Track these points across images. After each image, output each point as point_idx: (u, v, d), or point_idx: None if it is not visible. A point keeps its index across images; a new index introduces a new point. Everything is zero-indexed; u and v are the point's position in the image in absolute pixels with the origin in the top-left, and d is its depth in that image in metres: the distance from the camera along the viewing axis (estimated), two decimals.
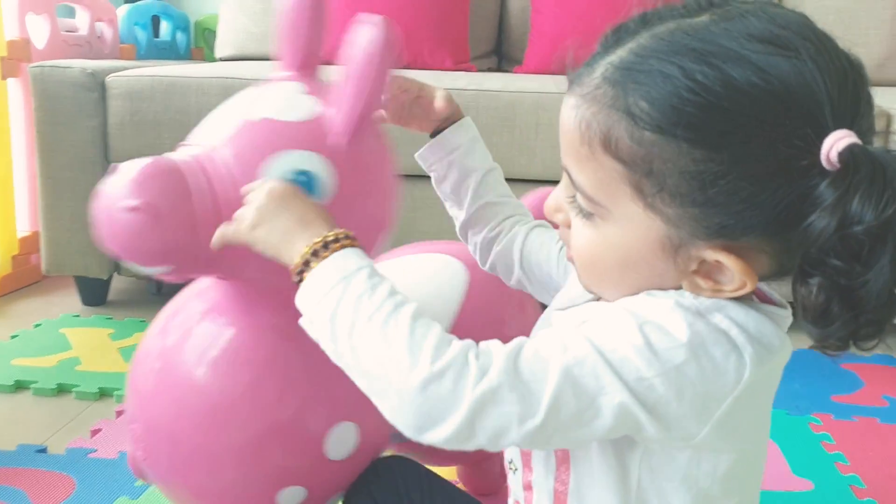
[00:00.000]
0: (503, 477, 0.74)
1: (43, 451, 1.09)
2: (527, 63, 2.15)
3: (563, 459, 0.56)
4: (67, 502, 0.96)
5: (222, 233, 0.59)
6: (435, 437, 0.49)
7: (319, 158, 0.64)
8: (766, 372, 0.51)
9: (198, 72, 1.65)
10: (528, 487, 0.59)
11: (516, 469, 0.61)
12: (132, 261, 0.61)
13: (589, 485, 0.55)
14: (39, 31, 1.85)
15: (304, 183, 0.63)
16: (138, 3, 2.31)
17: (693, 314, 0.49)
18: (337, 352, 0.52)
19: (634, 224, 0.50)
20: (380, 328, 0.50)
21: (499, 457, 0.64)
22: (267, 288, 0.67)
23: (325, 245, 0.54)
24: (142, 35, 2.29)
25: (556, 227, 0.58)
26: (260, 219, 0.57)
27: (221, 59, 2.30)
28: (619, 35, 0.51)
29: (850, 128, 0.45)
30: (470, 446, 0.49)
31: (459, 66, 2.12)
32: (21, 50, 1.77)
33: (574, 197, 0.52)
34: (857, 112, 0.46)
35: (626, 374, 0.48)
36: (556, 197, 0.56)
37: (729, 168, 0.46)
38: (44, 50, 1.83)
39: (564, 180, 0.54)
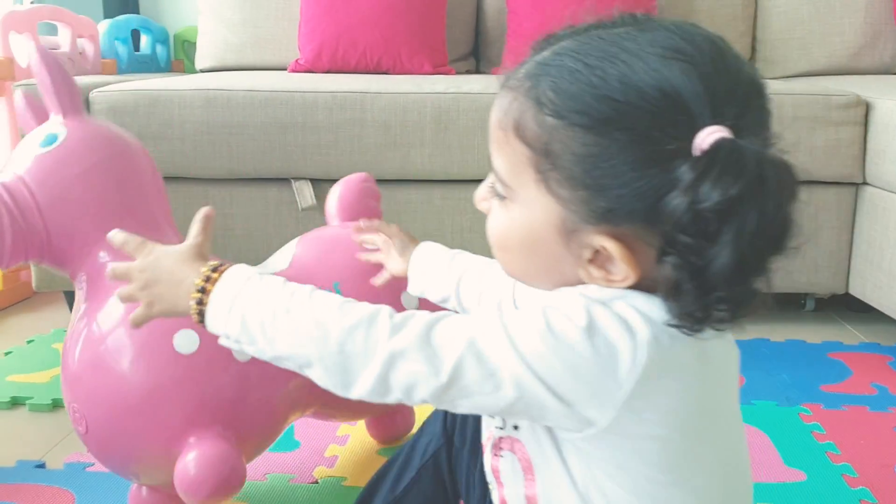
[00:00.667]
0: (406, 426, 0.93)
1: (41, 466, 1.09)
2: (505, 64, 2.15)
3: (527, 468, 0.60)
4: None
5: (133, 318, 0.66)
6: (357, 391, 0.56)
7: (53, 126, 0.92)
8: (676, 358, 0.53)
9: (180, 84, 1.66)
10: (503, 502, 0.64)
11: (493, 487, 0.65)
12: None
13: (552, 486, 0.59)
14: (23, 50, 1.85)
15: (45, 140, 0.90)
16: (118, 18, 2.31)
17: (594, 301, 0.54)
18: (260, 350, 0.59)
19: (536, 206, 0.55)
20: (285, 317, 0.57)
21: (402, 408, 0.67)
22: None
23: (207, 279, 0.62)
24: (122, 49, 2.29)
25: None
26: (150, 297, 0.65)
27: (202, 71, 2.30)
28: (548, 41, 0.58)
29: (729, 126, 0.49)
30: (390, 399, 0.56)
31: (438, 69, 2.13)
32: (5, 69, 1.77)
33: (493, 183, 0.58)
34: (741, 115, 0.51)
35: (525, 350, 0.53)
36: (482, 186, 0.61)
37: (613, 153, 0.51)
38: (27, 68, 1.83)
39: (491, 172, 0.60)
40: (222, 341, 0.61)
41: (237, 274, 0.61)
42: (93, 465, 1.09)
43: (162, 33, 2.54)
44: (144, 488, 0.94)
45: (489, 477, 0.66)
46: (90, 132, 0.93)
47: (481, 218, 1.73)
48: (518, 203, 0.56)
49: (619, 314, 0.53)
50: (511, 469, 0.62)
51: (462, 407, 0.56)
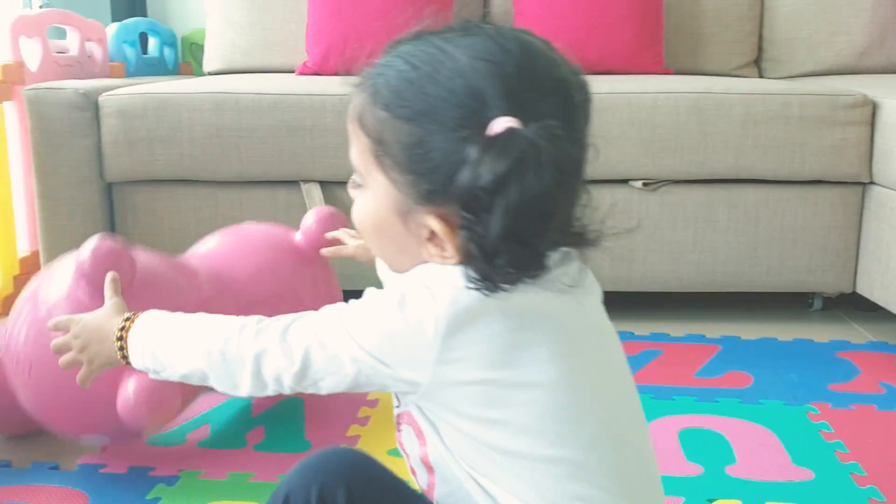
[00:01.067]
0: None
1: (55, 468, 1.10)
2: None
3: (419, 434, 0.67)
4: None
5: (80, 378, 0.77)
6: (244, 391, 0.66)
7: None
8: (479, 313, 0.60)
9: (189, 88, 1.67)
10: (412, 470, 0.71)
11: (405, 459, 0.71)
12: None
13: (434, 446, 0.66)
14: (32, 54, 1.86)
15: None
16: (126, 21, 2.33)
17: (412, 279, 0.63)
18: (171, 374, 0.70)
19: (380, 190, 0.63)
20: (180, 344, 0.69)
21: None
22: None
23: (122, 328, 0.73)
24: (130, 52, 2.30)
25: None
26: (88, 356, 0.76)
27: (210, 74, 2.31)
28: (393, 45, 0.65)
29: (521, 118, 0.56)
30: (270, 392, 0.66)
31: None
32: (15, 73, 1.78)
33: (354, 174, 0.67)
34: (536, 109, 0.58)
35: (353, 330, 0.62)
36: (351, 178, 0.68)
37: (428, 141, 0.59)
38: (37, 72, 1.85)
39: None
40: (150, 375, 0.73)
41: (144, 318, 0.73)
42: (105, 466, 1.10)
43: (170, 36, 2.55)
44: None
45: (400, 452, 0.72)
46: None
47: None
48: (369, 189, 0.65)
49: (429, 286, 0.61)
50: (409, 439, 0.69)
51: (323, 388, 0.65)
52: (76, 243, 1.64)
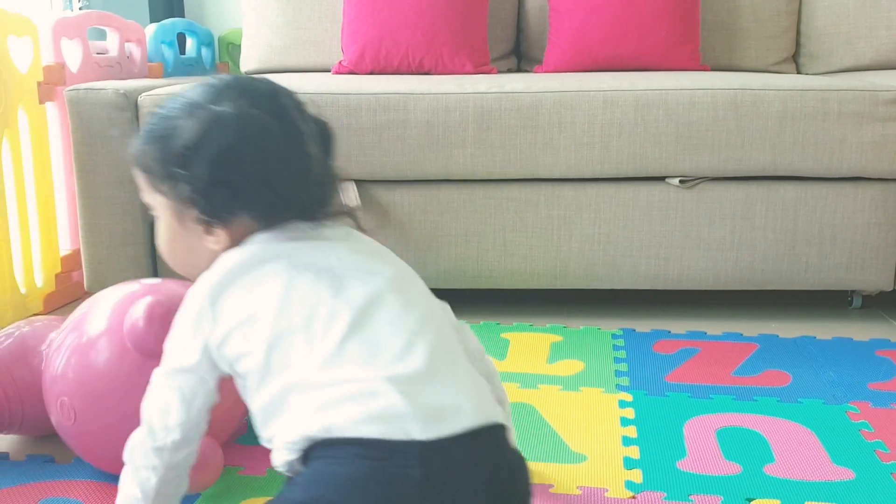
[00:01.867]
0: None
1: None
2: (546, 62, 2.17)
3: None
4: None
5: None
6: (169, 448, 0.81)
7: None
8: (237, 284, 0.77)
9: None
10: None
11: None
12: None
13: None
14: (73, 55, 1.90)
15: None
16: (164, 22, 2.36)
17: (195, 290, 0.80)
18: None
19: (161, 209, 0.83)
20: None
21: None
22: None
23: None
24: (169, 53, 2.34)
25: None
26: None
27: (246, 73, 2.34)
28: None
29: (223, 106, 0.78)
30: (176, 433, 0.80)
31: (479, 68, 2.14)
32: (56, 74, 1.82)
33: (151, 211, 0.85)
34: (235, 100, 0.79)
35: (172, 354, 0.81)
36: None
37: (158, 156, 0.80)
38: (77, 73, 1.88)
39: None
40: None
41: None
42: None
43: (207, 36, 2.58)
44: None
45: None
46: None
47: (523, 216, 1.74)
48: (159, 215, 0.84)
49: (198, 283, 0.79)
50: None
51: (199, 401, 0.81)
52: (115, 241, 1.68)
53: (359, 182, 1.67)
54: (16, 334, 1.14)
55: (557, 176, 1.65)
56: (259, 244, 0.79)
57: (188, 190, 0.78)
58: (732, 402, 1.29)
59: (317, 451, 0.69)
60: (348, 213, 0.86)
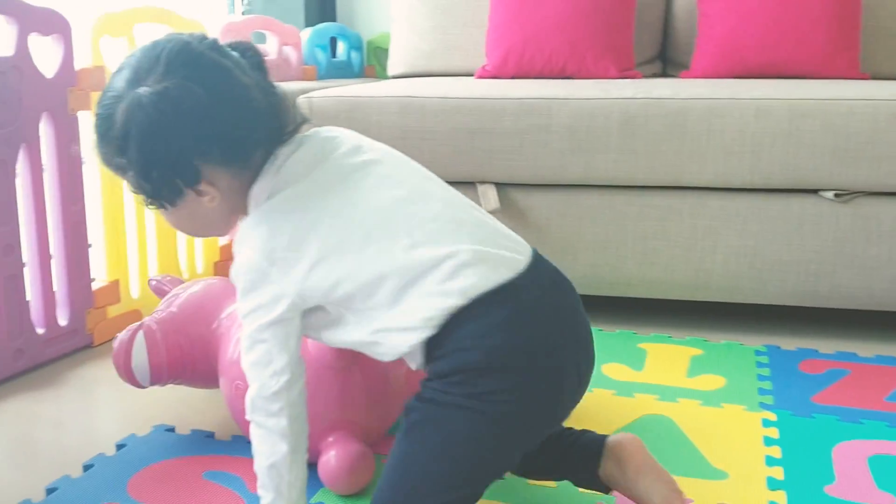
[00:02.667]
0: None
1: None
2: (694, 68, 2.13)
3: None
4: None
5: None
6: (273, 405, 0.87)
7: None
8: (275, 229, 0.84)
9: (377, 91, 1.75)
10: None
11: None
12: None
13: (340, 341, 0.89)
14: None
15: None
16: (318, 26, 2.47)
17: (236, 252, 0.86)
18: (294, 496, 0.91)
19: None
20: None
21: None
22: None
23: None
24: (322, 56, 2.44)
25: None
26: None
27: (393, 77, 2.41)
28: None
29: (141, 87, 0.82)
30: (285, 383, 0.86)
31: (624, 73, 2.12)
32: None
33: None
34: (147, 81, 0.83)
35: (257, 307, 0.85)
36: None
37: (114, 152, 0.85)
38: None
39: None
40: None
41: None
42: None
43: (357, 40, 2.68)
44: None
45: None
46: None
47: (666, 225, 1.72)
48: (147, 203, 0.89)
49: (241, 254, 0.85)
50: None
51: (296, 343, 0.87)
52: None
53: (499, 185, 1.70)
54: (197, 294, 1.24)
55: (703, 185, 1.63)
56: (284, 192, 0.85)
57: (134, 176, 0.84)
58: (886, 429, 1.23)
59: (461, 316, 0.80)
60: (306, 121, 0.90)
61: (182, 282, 1.32)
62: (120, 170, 0.86)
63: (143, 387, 1.18)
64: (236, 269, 0.86)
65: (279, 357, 0.85)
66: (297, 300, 0.84)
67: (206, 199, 0.86)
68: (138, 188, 0.86)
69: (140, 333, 1.17)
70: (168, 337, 1.17)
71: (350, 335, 0.86)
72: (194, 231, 0.94)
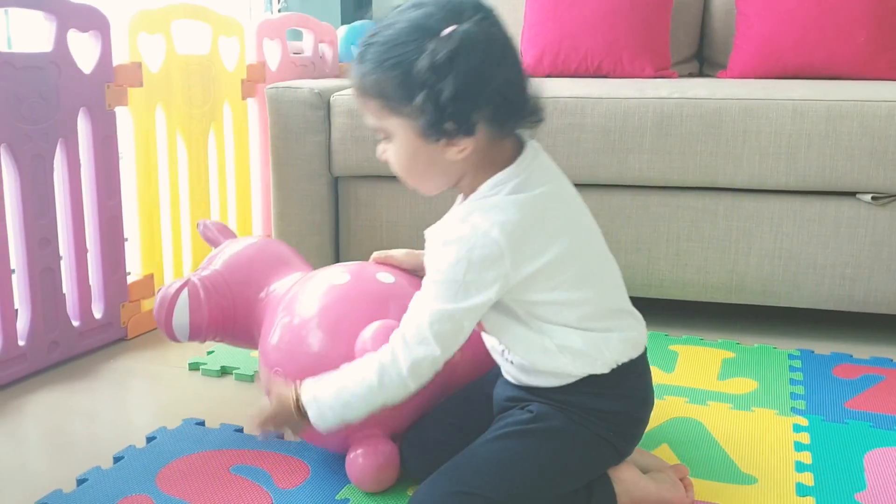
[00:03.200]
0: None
1: (281, 436, 1.20)
2: (731, 68, 2.10)
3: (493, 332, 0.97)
4: (305, 485, 1.07)
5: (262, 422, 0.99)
6: (416, 388, 0.91)
7: None
8: (522, 226, 0.87)
9: None
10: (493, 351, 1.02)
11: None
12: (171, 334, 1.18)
13: (511, 338, 0.95)
14: (273, 55, 2.04)
15: None
16: (354, 24, 2.48)
17: (453, 237, 0.87)
18: (358, 420, 0.93)
19: (399, 130, 0.88)
20: (347, 404, 0.92)
21: None
22: None
23: (298, 407, 0.94)
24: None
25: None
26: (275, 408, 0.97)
27: None
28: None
29: (459, 22, 0.83)
30: (425, 380, 0.91)
31: (660, 72, 2.10)
32: (258, 72, 1.96)
33: (377, 135, 0.92)
34: (463, 17, 0.84)
35: (452, 301, 0.87)
36: (379, 145, 0.93)
37: (409, 73, 0.83)
38: (276, 71, 2.02)
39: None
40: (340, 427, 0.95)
41: (309, 392, 0.94)
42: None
43: None
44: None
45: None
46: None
47: (699, 226, 1.69)
48: (394, 137, 0.89)
49: (483, 229, 0.86)
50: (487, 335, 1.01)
51: (463, 340, 0.90)
52: (304, 230, 1.79)
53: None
54: (247, 255, 1.23)
55: (738, 186, 1.61)
56: (539, 190, 0.90)
57: (434, 109, 0.83)
58: None
59: (627, 367, 0.95)
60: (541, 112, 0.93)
61: (233, 234, 1.32)
62: (411, 100, 0.84)
63: (181, 342, 1.19)
64: (465, 237, 0.86)
65: (457, 340, 0.89)
66: (505, 293, 0.89)
67: (456, 149, 0.87)
68: (418, 116, 0.85)
69: (185, 292, 1.16)
70: (211, 297, 1.17)
71: (527, 338, 0.93)
72: (414, 174, 0.92)
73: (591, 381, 0.93)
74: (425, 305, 0.88)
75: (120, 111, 1.59)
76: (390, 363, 0.89)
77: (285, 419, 0.95)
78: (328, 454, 1.14)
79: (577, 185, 1.71)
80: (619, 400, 0.95)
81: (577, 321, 0.91)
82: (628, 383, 0.96)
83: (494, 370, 1.05)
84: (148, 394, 1.40)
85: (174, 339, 1.18)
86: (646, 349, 1.00)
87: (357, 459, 1.05)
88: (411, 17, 0.85)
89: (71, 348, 1.51)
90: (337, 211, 1.82)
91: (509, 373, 1.00)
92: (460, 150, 0.87)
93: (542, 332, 0.92)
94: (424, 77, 0.82)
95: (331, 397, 0.92)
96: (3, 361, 1.38)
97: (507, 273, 0.87)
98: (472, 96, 0.83)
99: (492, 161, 0.90)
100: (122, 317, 1.61)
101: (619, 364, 0.94)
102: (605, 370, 0.93)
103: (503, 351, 0.98)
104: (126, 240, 1.64)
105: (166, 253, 1.74)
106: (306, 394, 0.93)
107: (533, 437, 0.93)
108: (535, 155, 0.92)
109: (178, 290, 1.16)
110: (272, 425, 0.97)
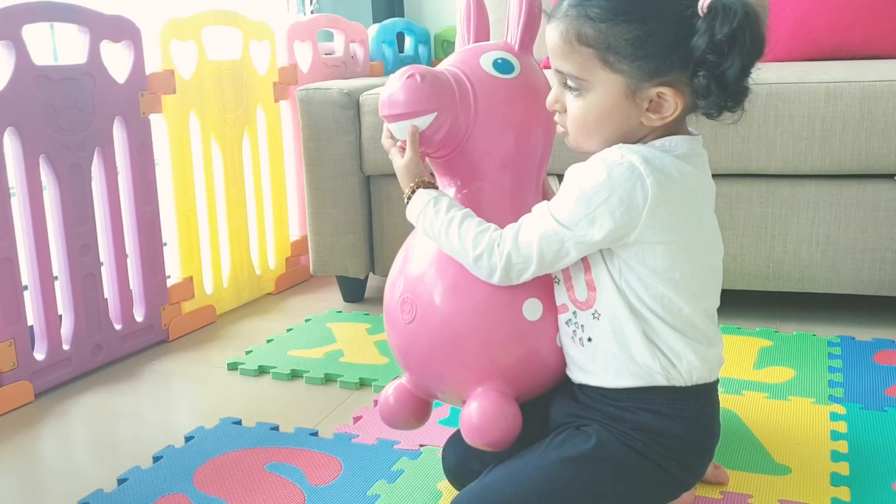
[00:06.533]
0: None
1: (315, 434, 1.23)
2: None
3: (586, 269, 0.89)
4: (337, 481, 1.09)
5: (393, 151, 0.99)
6: (498, 282, 0.90)
7: (508, 55, 1.00)
8: (673, 189, 0.82)
9: None
10: (570, 289, 0.91)
11: (559, 280, 0.93)
12: (408, 109, 0.94)
13: (602, 302, 0.88)
14: (304, 57, 2.06)
15: (501, 65, 0.98)
16: (385, 22, 2.49)
17: (611, 163, 0.82)
18: (435, 243, 0.93)
19: (606, 84, 0.83)
20: (444, 233, 0.91)
21: None
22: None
23: (408, 197, 0.95)
24: (388, 52, 2.46)
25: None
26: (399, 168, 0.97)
27: None
28: None
29: None
30: (520, 281, 0.89)
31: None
32: (289, 74, 1.99)
33: (566, 83, 0.85)
34: None
35: (573, 225, 0.83)
36: (554, 92, 0.88)
37: (652, 30, 0.80)
38: (308, 73, 2.04)
39: (555, 81, 0.88)
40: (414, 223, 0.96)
41: (420, 200, 0.94)
42: (357, 436, 1.21)
43: (424, 34, 2.69)
44: (392, 396, 1.02)
45: (556, 275, 0.93)
46: (536, 77, 1.01)
47: (734, 213, 1.65)
48: (592, 90, 0.84)
49: (632, 164, 0.81)
50: (573, 274, 0.92)
51: (557, 269, 0.89)
52: (338, 230, 1.81)
53: (560, 176, 1.69)
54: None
55: (772, 172, 1.58)
56: (689, 166, 0.84)
57: (719, 88, 0.79)
58: None
59: (701, 389, 0.89)
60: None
61: None
62: (638, 58, 0.80)
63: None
64: (619, 172, 0.81)
65: (558, 262, 0.86)
66: (619, 246, 0.84)
67: (658, 116, 0.83)
68: (635, 74, 0.81)
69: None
70: None
71: (619, 311, 0.86)
72: (595, 129, 0.85)
73: (661, 394, 0.87)
74: (546, 217, 0.85)
75: (154, 118, 1.62)
76: (495, 249, 0.88)
77: (398, 172, 0.96)
78: (358, 450, 1.16)
79: None
80: (687, 424, 0.87)
81: (671, 317, 0.86)
82: (699, 407, 0.88)
83: (555, 388, 0.98)
84: (188, 394, 1.43)
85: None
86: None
87: (471, 417, 0.93)
88: None
89: (113, 351, 1.55)
90: (370, 209, 1.83)
91: (574, 361, 0.92)
92: (662, 118, 0.83)
93: (635, 312, 0.86)
94: (703, 55, 0.78)
95: (435, 219, 0.91)
96: (48, 366, 1.43)
97: (638, 226, 0.82)
98: (748, 66, 0.79)
99: (671, 133, 0.86)
100: (162, 319, 1.66)
101: (697, 384, 0.88)
102: (683, 384, 0.87)
103: (575, 331, 0.90)
104: (164, 244, 1.68)
105: (204, 255, 1.77)
106: (426, 194, 0.93)
107: (590, 468, 0.87)
108: (696, 136, 0.88)
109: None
110: (391, 153, 0.98)
